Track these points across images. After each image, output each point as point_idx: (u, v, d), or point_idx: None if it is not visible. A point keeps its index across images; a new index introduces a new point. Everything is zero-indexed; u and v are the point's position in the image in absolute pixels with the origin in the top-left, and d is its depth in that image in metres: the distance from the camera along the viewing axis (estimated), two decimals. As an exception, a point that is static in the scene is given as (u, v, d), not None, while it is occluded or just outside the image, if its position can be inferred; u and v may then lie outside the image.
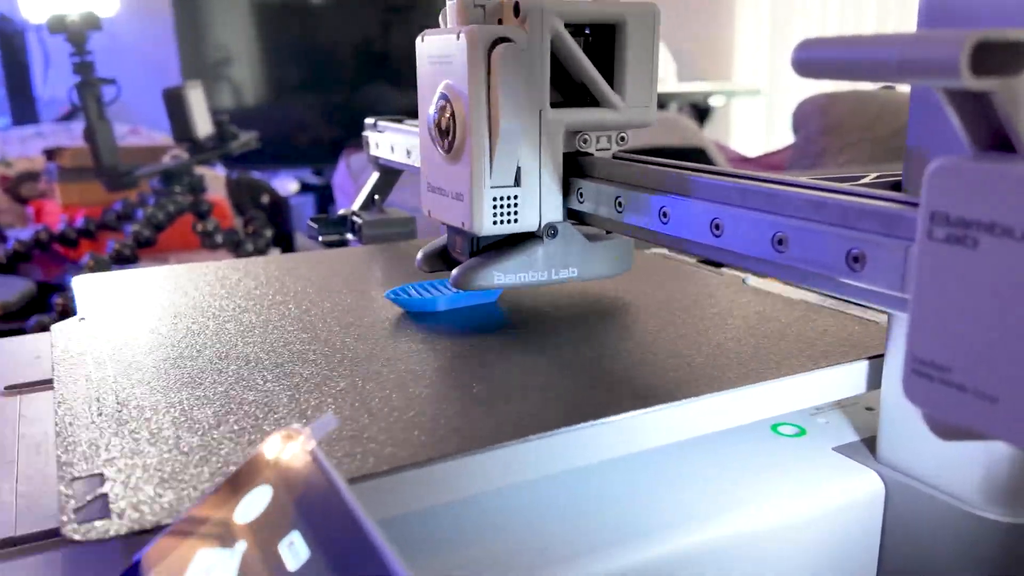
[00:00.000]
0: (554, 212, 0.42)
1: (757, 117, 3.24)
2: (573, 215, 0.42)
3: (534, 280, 0.42)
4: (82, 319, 0.45)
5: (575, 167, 0.42)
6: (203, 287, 0.51)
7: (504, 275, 0.41)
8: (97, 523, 0.25)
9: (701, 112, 2.94)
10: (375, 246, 0.59)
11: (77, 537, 0.24)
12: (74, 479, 0.27)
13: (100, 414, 0.32)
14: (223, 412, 0.32)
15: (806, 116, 1.92)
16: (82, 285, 0.51)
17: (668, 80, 3.04)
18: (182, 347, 0.40)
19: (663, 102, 2.76)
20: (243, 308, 0.46)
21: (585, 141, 0.41)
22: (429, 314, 0.44)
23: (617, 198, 0.38)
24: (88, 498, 0.26)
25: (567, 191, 0.42)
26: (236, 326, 0.43)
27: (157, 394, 0.34)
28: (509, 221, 0.41)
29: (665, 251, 0.59)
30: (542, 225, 0.41)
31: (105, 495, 0.26)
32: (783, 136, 2.51)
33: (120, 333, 0.42)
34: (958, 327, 0.20)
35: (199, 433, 0.31)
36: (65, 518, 0.25)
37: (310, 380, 0.35)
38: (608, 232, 0.43)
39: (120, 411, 0.33)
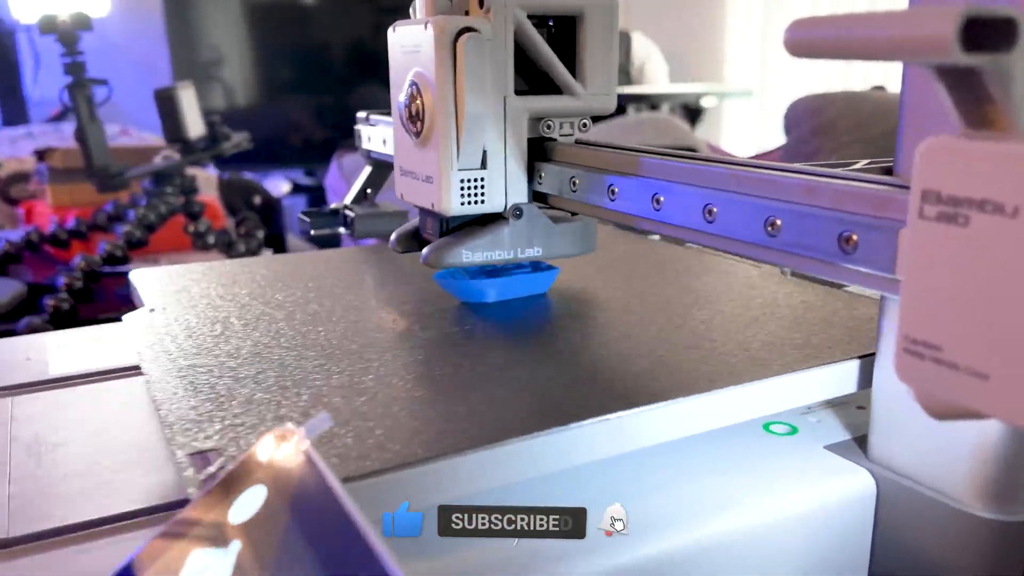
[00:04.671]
0: (519, 194, 0.43)
1: (749, 118, 3.25)
2: (539, 197, 0.44)
3: (501, 258, 0.44)
4: (152, 310, 0.46)
5: (540, 151, 0.43)
6: (259, 280, 0.52)
7: (472, 253, 0.43)
8: None
9: (693, 113, 2.94)
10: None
11: None
12: (194, 453, 0.28)
13: (196, 396, 0.33)
14: (314, 394, 0.33)
15: (797, 117, 1.92)
16: (141, 278, 0.53)
17: (660, 81, 3.05)
18: (256, 335, 0.41)
19: (655, 103, 2.76)
20: (306, 299, 0.47)
21: (549, 127, 0.43)
22: (476, 304, 0.46)
23: (611, 186, 0.38)
24: (211, 470, 0.27)
25: (532, 174, 0.43)
26: (303, 315, 0.44)
27: (247, 378, 0.35)
28: (476, 202, 0.42)
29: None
30: (508, 206, 0.43)
31: (223, 469, 0.27)
32: (775, 137, 2.52)
33: (192, 323, 0.43)
34: (949, 305, 0.21)
35: (300, 411, 0.32)
36: (192, 490, 0.26)
37: (389, 365, 0.37)
38: (573, 214, 0.45)
39: (215, 393, 0.33)
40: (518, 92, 0.42)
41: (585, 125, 0.44)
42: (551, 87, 0.43)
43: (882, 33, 0.19)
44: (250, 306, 0.46)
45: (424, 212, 0.46)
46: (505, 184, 0.43)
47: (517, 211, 0.43)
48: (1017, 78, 0.19)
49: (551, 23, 0.42)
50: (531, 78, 0.43)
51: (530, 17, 0.41)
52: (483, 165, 0.42)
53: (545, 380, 0.35)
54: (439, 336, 0.41)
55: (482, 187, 0.42)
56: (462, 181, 0.42)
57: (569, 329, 0.43)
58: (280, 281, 0.51)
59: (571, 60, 0.43)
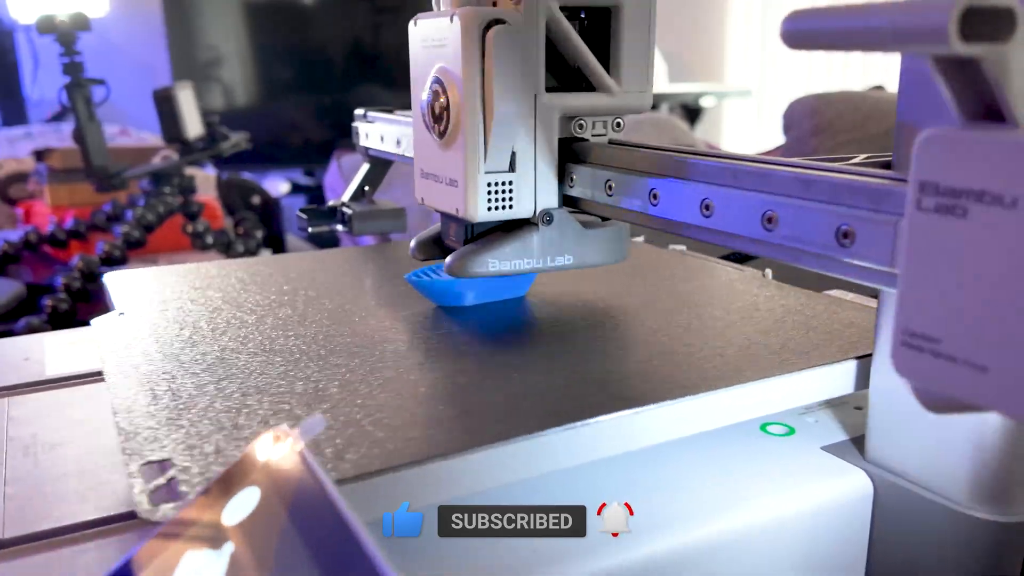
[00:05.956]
0: (549, 198, 0.41)
1: (748, 118, 3.25)
2: (569, 202, 0.42)
3: (529, 267, 0.41)
4: (121, 314, 0.45)
5: (571, 153, 0.41)
6: (234, 283, 0.51)
7: (499, 262, 0.41)
8: (169, 505, 0.25)
9: (692, 113, 2.94)
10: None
11: (155, 518, 0.25)
12: (145, 463, 0.28)
13: (155, 403, 0.33)
14: (276, 401, 0.33)
15: (796, 117, 1.92)
16: (115, 281, 0.52)
17: (659, 81, 3.04)
18: (225, 340, 0.40)
19: (654, 103, 2.76)
20: (278, 303, 0.46)
21: (581, 126, 0.41)
22: (453, 308, 0.44)
23: (607, 181, 0.37)
24: (159, 482, 0.27)
25: (562, 177, 0.41)
26: (274, 320, 0.43)
27: (209, 384, 0.34)
28: (504, 207, 0.40)
29: (683, 248, 0.59)
30: (537, 211, 0.41)
31: (173, 479, 0.27)
32: (774, 137, 2.52)
33: (162, 327, 0.43)
34: (948, 297, 0.20)
35: (257, 420, 0.31)
36: (141, 500, 0.26)
37: (355, 371, 0.36)
38: (604, 220, 0.43)
39: (175, 401, 0.33)
40: (549, 89, 0.39)
41: (619, 125, 0.42)
42: (583, 84, 0.40)
43: (880, 23, 0.19)
44: (221, 310, 0.45)
45: (447, 217, 0.44)
46: (535, 188, 0.40)
47: (547, 217, 0.41)
48: (1015, 69, 0.19)
49: (584, 15, 0.40)
50: (562, 74, 0.40)
51: (562, 9, 0.39)
52: (511, 167, 0.40)
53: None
54: (411, 340, 0.41)
55: (510, 191, 0.40)
56: (489, 184, 0.39)
57: (550, 333, 0.42)
58: (255, 284, 0.51)
59: (605, 55, 0.40)
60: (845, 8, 0.20)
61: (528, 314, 0.45)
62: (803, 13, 0.21)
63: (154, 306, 0.47)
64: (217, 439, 0.30)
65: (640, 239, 0.62)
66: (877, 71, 2.59)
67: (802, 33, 0.21)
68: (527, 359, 0.38)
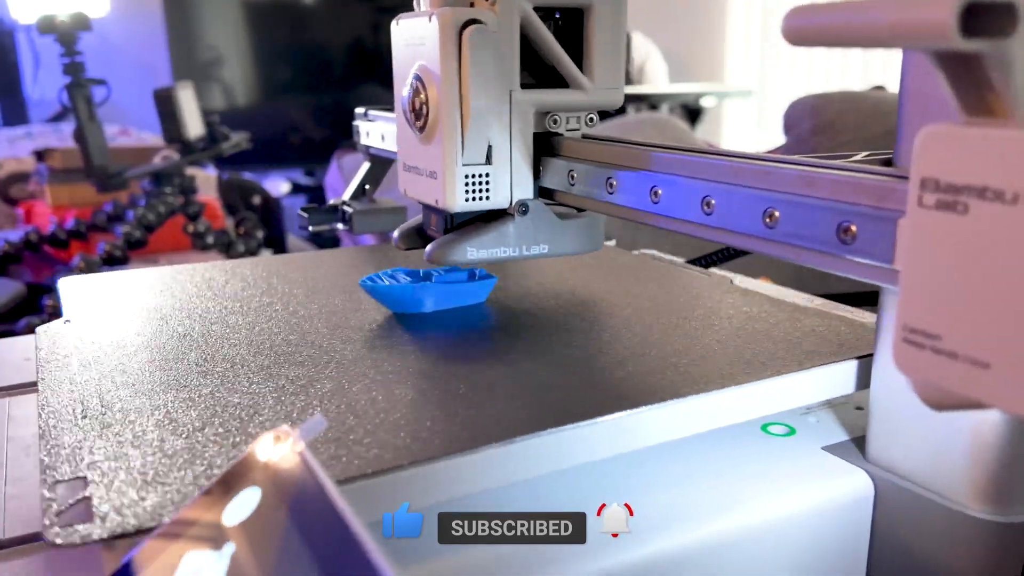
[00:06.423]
0: (525, 190, 0.42)
1: (748, 118, 3.25)
2: (545, 193, 0.43)
3: (506, 256, 0.42)
4: (67, 321, 0.44)
5: (546, 147, 0.42)
6: (190, 289, 0.50)
7: (477, 250, 0.42)
8: (79, 527, 0.24)
9: (692, 113, 2.94)
10: (365, 247, 0.59)
11: (59, 541, 0.24)
12: (56, 482, 0.27)
13: (84, 417, 0.32)
14: (208, 415, 0.32)
15: (797, 117, 1.92)
16: (68, 287, 0.51)
17: (659, 81, 3.04)
18: (167, 349, 0.39)
19: (655, 103, 2.76)
20: (230, 310, 0.46)
21: (555, 121, 0.42)
22: (414, 315, 0.44)
23: (609, 179, 0.37)
24: (70, 502, 0.26)
25: (538, 170, 0.42)
26: (222, 328, 0.42)
27: (142, 397, 0.34)
28: (481, 198, 0.41)
29: (654, 252, 0.59)
30: (513, 202, 0.42)
31: (88, 498, 0.26)
32: (774, 137, 2.52)
33: (106, 335, 0.42)
34: (949, 294, 0.20)
35: (183, 436, 0.30)
36: (47, 521, 0.25)
37: (296, 382, 0.35)
38: (580, 211, 0.44)
39: (104, 414, 0.32)
40: (524, 86, 0.41)
41: (592, 120, 0.43)
42: (557, 81, 0.42)
43: (882, 19, 0.19)
44: (170, 318, 0.44)
45: (428, 208, 0.45)
46: (511, 180, 0.42)
47: (523, 207, 0.42)
48: (1017, 64, 0.19)
49: (557, 15, 0.41)
50: (537, 72, 0.42)
51: (536, 9, 0.40)
52: (488, 160, 0.41)
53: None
54: (359, 350, 0.39)
55: (487, 183, 0.41)
56: (467, 176, 0.41)
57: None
58: (211, 291, 0.50)
59: (578, 54, 0.42)
60: (846, 4, 0.20)
61: (489, 320, 0.45)
62: (804, 9, 0.21)
63: (104, 314, 0.45)
64: (140, 455, 0.29)
65: (612, 243, 0.62)
66: (878, 71, 2.59)
67: (803, 29, 0.21)
68: (497, 365, 0.38)
